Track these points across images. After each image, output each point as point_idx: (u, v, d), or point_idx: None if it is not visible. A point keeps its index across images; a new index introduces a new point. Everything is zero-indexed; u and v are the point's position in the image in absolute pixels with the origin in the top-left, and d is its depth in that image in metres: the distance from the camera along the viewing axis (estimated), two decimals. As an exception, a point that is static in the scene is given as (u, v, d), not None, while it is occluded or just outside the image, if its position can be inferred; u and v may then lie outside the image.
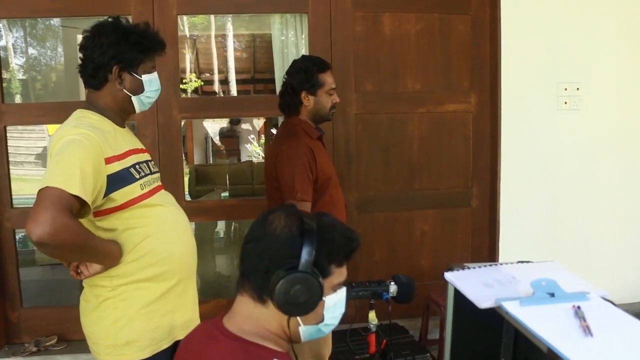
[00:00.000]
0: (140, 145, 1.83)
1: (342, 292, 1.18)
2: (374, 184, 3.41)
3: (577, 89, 3.52)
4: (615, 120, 3.67)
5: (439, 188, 3.52)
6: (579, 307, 1.28)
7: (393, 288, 1.79)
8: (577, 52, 3.53)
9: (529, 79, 3.46)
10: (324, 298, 1.12)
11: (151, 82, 1.75)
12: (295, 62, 2.48)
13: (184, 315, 1.76)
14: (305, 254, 1.09)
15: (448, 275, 1.60)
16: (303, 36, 3.53)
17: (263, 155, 9.84)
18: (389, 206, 3.46)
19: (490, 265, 1.72)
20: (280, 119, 3.14)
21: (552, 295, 1.35)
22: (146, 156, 1.82)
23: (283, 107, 2.46)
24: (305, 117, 2.44)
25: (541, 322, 1.22)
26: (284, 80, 2.45)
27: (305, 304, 1.09)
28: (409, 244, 3.50)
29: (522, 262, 1.75)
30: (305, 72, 2.38)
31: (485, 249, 3.61)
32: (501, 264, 1.72)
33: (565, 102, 3.51)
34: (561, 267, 1.68)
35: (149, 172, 1.75)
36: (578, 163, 3.62)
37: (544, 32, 3.45)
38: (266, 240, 1.13)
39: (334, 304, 1.16)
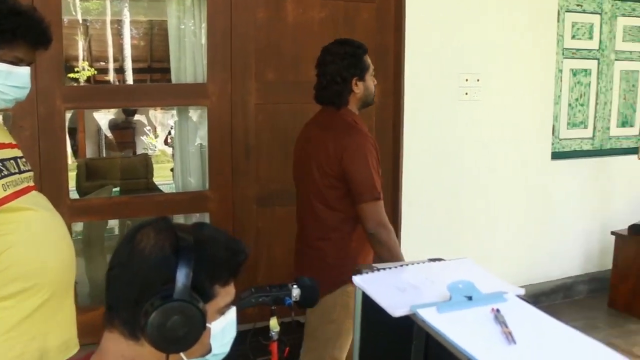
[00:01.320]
0: (8, 139, 1.55)
1: (231, 314, 1.03)
2: (275, 177, 3.27)
3: (478, 80, 3.61)
4: (512, 111, 3.83)
5: (341, 180, 3.48)
6: (498, 311, 1.23)
7: (296, 292, 1.67)
8: (478, 44, 3.62)
9: (431, 70, 3.49)
10: (208, 325, 0.96)
11: (9, 75, 1.43)
12: (335, 47, 2.23)
13: (59, 337, 1.54)
14: (182, 277, 0.91)
15: (357, 280, 1.51)
16: (203, 24, 3.32)
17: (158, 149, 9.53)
18: (290, 200, 3.33)
19: (402, 265, 1.64)
20: (165, 115, 2.93)
21: (470, 298, 1.29)
22: (15, 152, 1.55)
23: (332, 99, 2.21)
24: (353, 107, 2.24)
25: (461, 330, 1.15)
26: (323, 70, 2.21)
27: (185, 337, 0.93)
28: (309, 238, 3.43)
29: (433, 259, 1.69)
30: (353, 56, 2.19)
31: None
32: (412, 264, 1.65)
33: (466, 93, 3.59)
34: (474, 265, 1.65)
35: (16, 170, 1.49)
36: (477, 153, 3.73)
37: (447, 23, 3.49)
38: (134, 264, 0.94)
39: (222, 330, 1.01)
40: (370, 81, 2.27)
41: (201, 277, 0.94)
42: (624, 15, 4.36)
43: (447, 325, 1.17)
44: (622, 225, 4.14)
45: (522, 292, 1.42)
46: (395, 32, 3.40)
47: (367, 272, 1.53)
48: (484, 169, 3.76)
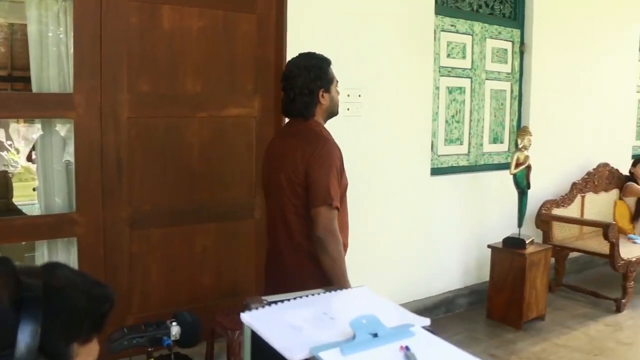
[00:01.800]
0: None
1: None
2: (149, 197, 3.14)
3: (359, 95, 3.72)
4: (393, 127, 3.97)
5: (220, 199, 3.40)
6: (407, 348, 1.16)
7: (175, 330, 1.57)
8: (360, 59, 3.74)
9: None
10: None
11: None
12: (301, 61, 2.34)
13: None
14: (25, 339, 0.73)
15: (245, 317, 1.36)
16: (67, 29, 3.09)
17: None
18: (166, 221, 3.22)
19: (295, 298, 1.50)
20: (30, 129, 2.69)
21: (375, 335, 1.20)
22: None
23: (301, 110, 2.30)
24: (319, 118, 2.36)
25: None
26: (290, 83, 2.30)
27: None
28: (189, 261, 3.31)
29: (328, 289, 1.58)
30: (319, 68, 2.30)
31: (270, 262, 3.59)
32: (307, 296, 1.52)
33: (348, 109, 3.67)
34: (372, 294, 1.57)
35: None
36: (359, 169, 3.82)
37: (329, 38, 3.57)
38: None
39: None
40: (335, 92, 2.40)
41: (53, 337, 0.77)
42: (492, 37, 4.73)
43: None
44: (497, 238, 4.44)
45: (428, 322, 1.36)
46: (277, 45, 3.42)
47: (256, 308, 1.38)
48: (365, 185, 3.86)
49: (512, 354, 3.81)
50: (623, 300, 4.66)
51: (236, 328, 2.58)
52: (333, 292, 1.53)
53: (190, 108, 3.20)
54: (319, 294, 1.52)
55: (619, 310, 4.62)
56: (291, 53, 3.37)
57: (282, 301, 1.43)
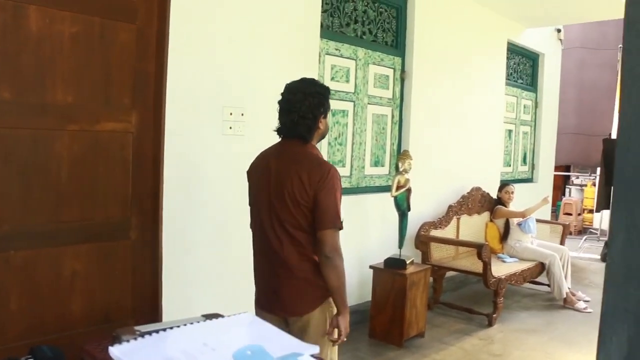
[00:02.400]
0: None
1: None
2: (10, 216, 2.83)
3: (242, 114, 3.64)
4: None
5: (92, 219, 3.14)
6: None
7: None
8: (244, 78, 3.68)
9: (195, 101, 3.44)
10: None
11: None
12: (305, 87, 2.44)
13: None
14: None
15: (115, 352, 1.24)
16: None
17: None
18: (29, 243, 2.92)
19: (172, 327, 1.37)
20: None
21: None
22: None
23: (303, 133, 2.43)
24: (314, 141, 2.49)
25: None
26: (294, 106, 2.40)
27: None
28: (56, 287, 3.01)
29: (209, 316, 1.50)
30: (323, 95, 2.44)
31: (147, 286, 3.37)
32: (185, 325, 1.40)
33: (230, 127, 3.58)
34: (257, 320, 1.48)
35: None
36: (243, 189, 3.71)
37: (212, 55, 3.49)
38: None
39: None
40: (327, 120, 2.53)
41: None
42: (374, 63, 4.85)
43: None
44: (379, 259, 4.50)
45: (317, 350, 1.29)
46: (157, 58, 3.26)
47: (127, 340, 1.26)
48: (246, 205, 3.75)
49: (393, 372, 3.85)
50: (494, 315, 4.89)
51: (108, 358, 2.37)
52: (214, 320, 1.42)
53: (59, 120, 2.95)
54: (198, 322, 1.40)
55: (490, 324, 4.85)
56: (173, 67, 3.26)
57: (157, 331, 1.30)
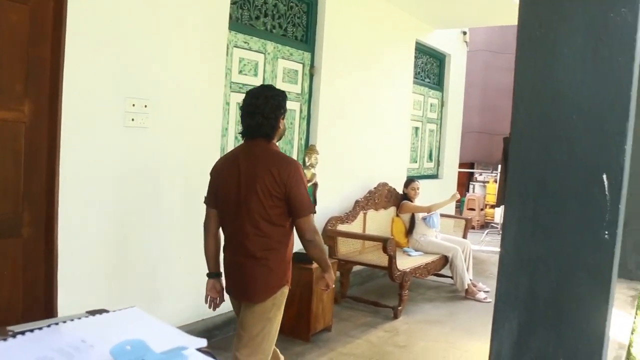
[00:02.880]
0: None
1: None
2: None
3: (145, 106, 3.54)
4: (181, 139, 3.84)
5: (-19, 215, 2.97)
6: None
7: None
8: (148, 68, 3.58)
9: (96, 91, 3.31)
10: None
11: None
12: (265, 92, 2.75)
13: None
14: None
15: None
16: None
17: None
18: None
19: (49, 325, 1.29)
20: None
21: None
22: None
23: (268, 132, 2.72)
24: (275, 140, 2.79)
25: None
26: (258, 109, 2.68)
27: None
28: (-62, 287, 2.83)
29: (93, 312, 1.43)
30: (281, 98, 2.77)
31: (40, 285, 3.21)
32: (65, 322, 1.32)
33: (133, 119, 3.48)
34: (144, 315, 1.41)
35: None
36: (146, 183, 3.63)
37: (115, 42, 3.38)
38: None
39: None
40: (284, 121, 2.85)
41: None
42: (283, 58, 4.85)
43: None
44: (286, 253, 4.49)
45: (204, 343, 1.26)
46: (54, 43, 3.10)
47: None
48: (152, 201, 3.69)
49: (300, 366, 3.88)
50: (399, 308, 5.03)
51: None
52: (97, 316, 1.35)
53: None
54: (80, 318, 1.33)
55: (396, 316, 4.99)
56: (71, 54, 3.11)
57: (32, 330, 1.22)
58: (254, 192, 2.63)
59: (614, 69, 2.16)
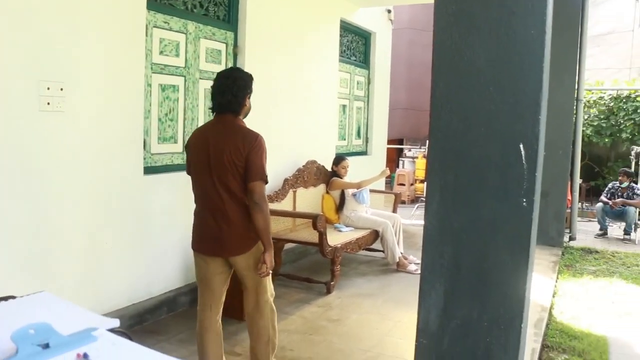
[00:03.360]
0: None
1: None
2: None
3: (61, 89, 3.40)
4: (101, 122, 3.72)
5: None
6: (85, 356, 1.03)
7: None
8: (62, 49, 3.44)
9: (6, 74, 3.14)
10: None
11: None
12: (234, 73, 3.14)
13: None
14: None
15: None
16: None
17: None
18: None
19: None
20: None
21: (47, 346, 1.04)
22: None
23: (235, 108, 3.07)
24: (241, 116, 3.13)
25: None
26: (228, 88, 3.02)
27: None
28: None
29: (1, 299, 1.39)
30: (249, 79, 3.14)
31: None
32: None
33: (49, 103, 3.32)
34: (55, 299, 1.37)
35: None
36: (65, 168, 3.49)
37: (27, 21, 3.19)
38: None
39: None
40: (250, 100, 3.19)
41: None
42: (206, 37, 4.75)
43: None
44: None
45: (117, 323, 1.25)
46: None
47: None
48: (73, 186, 3.56)
49: (235, 345, 3.88)
50: (332, 283, 5.10)
51: None
52: (3, 303, 1.30)
53: None
54: None
55: (329, 291, 5.05)
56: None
57: None
58: (222, 163, 2.98)
59: (527, 42, 2.23)
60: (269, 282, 3.25)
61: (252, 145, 2.99)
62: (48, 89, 3.33)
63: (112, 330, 1.14)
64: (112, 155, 3.82)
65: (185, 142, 4.54)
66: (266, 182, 3.03)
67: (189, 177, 4.64)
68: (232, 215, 3.05)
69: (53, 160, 3.42)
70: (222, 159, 2.98)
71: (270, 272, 3.14)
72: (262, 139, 3.04)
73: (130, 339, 1.13)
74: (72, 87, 3.49)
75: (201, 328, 3.34)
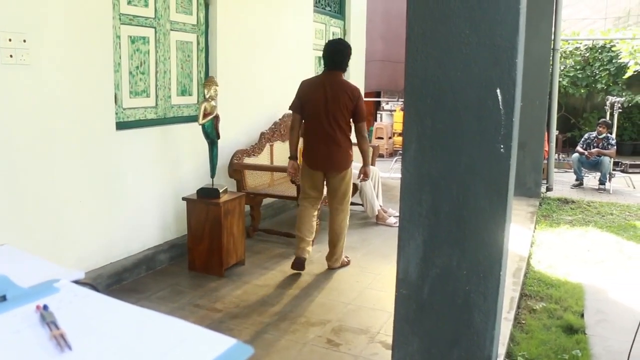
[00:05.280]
0: None
1: None
2: None
3: (24, 40, 3.26)
4: (69, 76, 3.60)
5: None
6: (45, 308, 0.97)
7: None
8: (21, -2, 3.26)
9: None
10: None
11: None
12: (343, 41, 4.57)
13: None
14: None
15: None
16: None
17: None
18: None
19: None
20: None
21: (4, 298, 1.00)
22: None
23: (343, 66, 4.39)
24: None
25: None
26: (343, 53, 4.36)
27: None
28: None
29: None
30: (350, 48, 4.43)
31: None
32: None
33: (11, 56, 3.19)
34: (17, 252, 1.33)
35: None
36: (33, 124, 3.39)
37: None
38: None
39: None
40: None
41: None
42: (175, -13, 4.57)
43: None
44: (192, 190, 4.44)
45: (81, 275, 1.21)
46: None
47: None
48: (42, 143, 3.46)
49: (216, 301, 3.87)
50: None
51: None
52: None
53: None
54: None
55: (308, 246, 5.04)
56: None
57: None
58: (338, 106, 4.25)
59: (503, -17, 2.17)
60: (350, 192, 4.58)
61: (359, 96, 4.33)
62: (10, 40, 3.20)
63: (77, 283, 1.09)
64: (82, 110, 3.71)
65: (157, 95, 4.48)
66: (366, 122, 4.46)
67: (163, 133, 4.60)
68: (340, 142, 4.31)
69: (19, 117, 3.31)
70: (337, 103, 4.24)
71: (367, 179, 4.69)
72: (361, 91, 4.41)
73: (97, 291, 1.08)
74: (36, 39, 3.35)
75: (301, 218, 4.51)
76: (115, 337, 0.91)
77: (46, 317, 0.93)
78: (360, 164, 6.23)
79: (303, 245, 4.48)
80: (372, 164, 6.50)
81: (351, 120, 4.35)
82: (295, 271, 4.44)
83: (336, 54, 4.30)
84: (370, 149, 4.61)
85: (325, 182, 4.47)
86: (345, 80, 4.35)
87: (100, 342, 0.89)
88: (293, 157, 4.49)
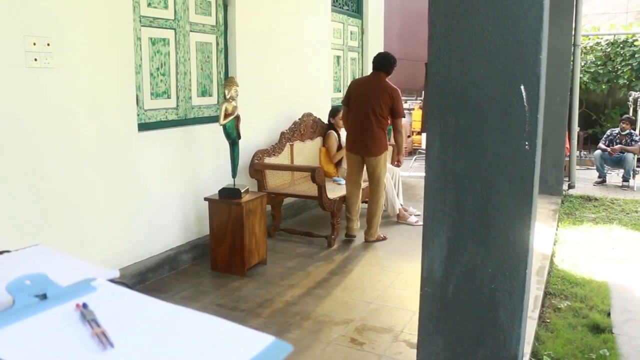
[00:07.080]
0: None
1: None
2: None
3: (48, 44, 3.31)
4: (91, 79, 3.65)
5: None
6: (85, 306, 0.98)
7: None
8: (46, 2, 3.31)
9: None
10: None
11: None
12: (388, 53, 5.37)
13: None
14: None
15: None
16: None
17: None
18: None
19: None
20: None
21: (45, 297, 0.99)
22: None
23: (388, 69, 5.22)
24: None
25: (32, 348, 0.83)
26: (385, 56, 5.29)
27: None
28: None
29: None
30: (394, 60, 5.30)
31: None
32: None
33: (36, 59, 3.24)
34: (52, 251, 1.31)
35: None
36: (57, 127, 3.44)
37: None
38: None
39: None
40: None
41: None
42: (195, -12, 4.61)
43: (10, 346, 0.85)
44: (213, 191, 4.45)
45: (116, 274, 1.20)
46: None
47: None
48: (65, 145, 3.51)
49: (238, 300, 3.89)
50: (332, 236, 5.11)
51: None
52: None
53: None
54: None
55: (330, 245, 5.07)
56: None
57: None
58: (378, 102, 5.05)
59: (527, -22, 2.15)
60: (384, 178, 5.29)
61: (397, 95, 5.11)
62: (34, 44, 3.25)
63: (111, 281, 1.11)
64: (104, 112, 3.76)
65: (178, 96, 4.52)
66: (404, 117, 5.28)
67: (184, 134, 4.66)
68: (375, 132, 5.07)
69: (45, 119, 3.36)
70: (377, 99, 5.03)
71: (400, 164, 5.55)
72: (399, 91, 5.15)
73: (131, 289, 1.10)
74: (59, 43, 3.41)
75: (348, 202, 5.28)
76: (156, 334, 0.92)
77: (86, 315, 0.94)
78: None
79: (351, 224, 5.35)
80: (392, 163, 6.52)
81: (389, 116, 5.16)
82: (317, 270, 4.46)
83: (382, 59, 5.20)
84: (403, 140, 5.30)
85: (365, 166, 5.23)
86: (388, 82, 5.13)
87: (141, 339, 0.90)
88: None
